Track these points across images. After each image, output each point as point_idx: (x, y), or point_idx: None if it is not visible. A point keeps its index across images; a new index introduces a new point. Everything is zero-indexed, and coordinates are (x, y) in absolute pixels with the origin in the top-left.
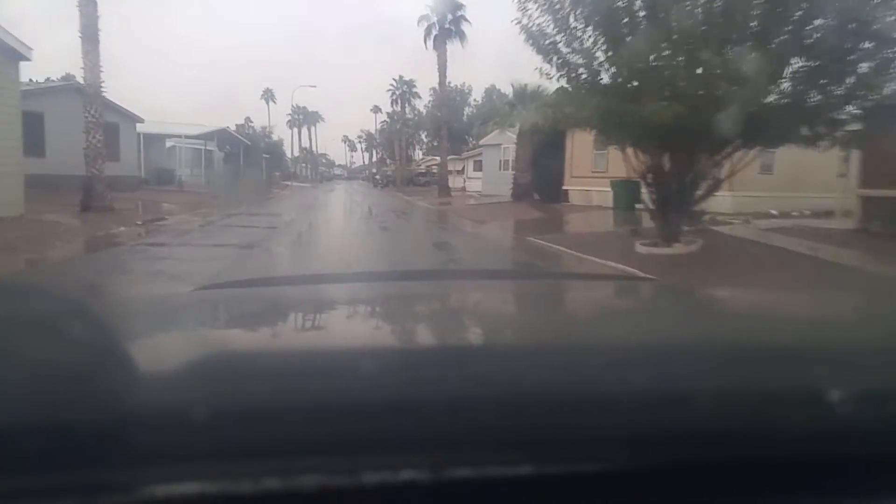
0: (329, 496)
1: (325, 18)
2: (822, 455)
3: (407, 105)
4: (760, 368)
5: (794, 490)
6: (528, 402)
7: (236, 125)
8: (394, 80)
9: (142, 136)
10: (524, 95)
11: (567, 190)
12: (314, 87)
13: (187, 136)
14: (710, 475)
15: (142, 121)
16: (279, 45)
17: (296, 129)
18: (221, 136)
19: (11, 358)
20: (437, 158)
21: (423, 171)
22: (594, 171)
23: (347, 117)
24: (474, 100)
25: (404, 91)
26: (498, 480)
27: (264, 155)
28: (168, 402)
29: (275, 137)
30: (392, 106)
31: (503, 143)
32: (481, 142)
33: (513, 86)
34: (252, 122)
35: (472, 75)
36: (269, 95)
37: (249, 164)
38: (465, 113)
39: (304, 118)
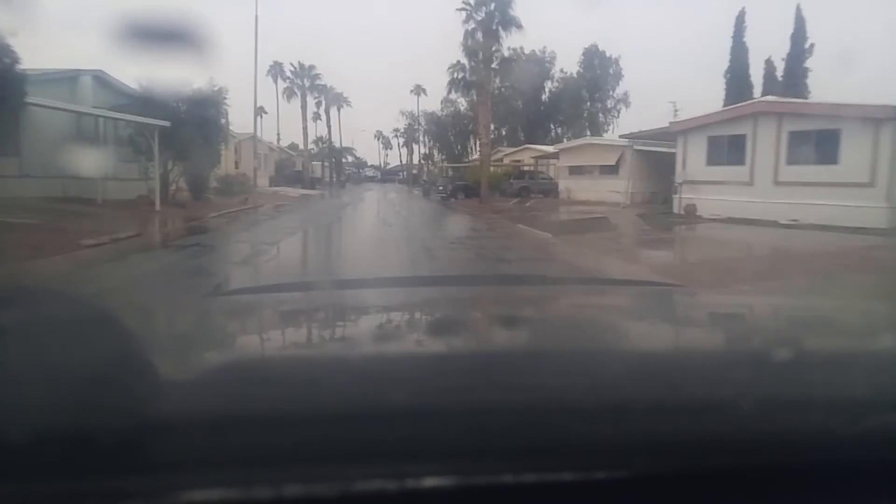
0: (350, 503)
1: None
2: (833, 461)
3: (498, 42)
4: (777, 375)
5: (806, 496)
6: (550, 408)
7: None
8: None
9: None
10: None
11: None
12: None
13: None
14: (724, 482)
15: None
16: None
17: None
18: None
19: (33, 364)
20: (542, 148)
21: (517, 169)
22: None
23: (379, 112)
24: (561, 70)
25: (491, 11)
26: (518, 487)
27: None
28: (189, 409)
29: (198, 86)
30: (466, 40)
31: None
32: None
33: None
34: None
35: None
36: (277, 70)
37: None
38: (545, 90)
39: (309, 85)
